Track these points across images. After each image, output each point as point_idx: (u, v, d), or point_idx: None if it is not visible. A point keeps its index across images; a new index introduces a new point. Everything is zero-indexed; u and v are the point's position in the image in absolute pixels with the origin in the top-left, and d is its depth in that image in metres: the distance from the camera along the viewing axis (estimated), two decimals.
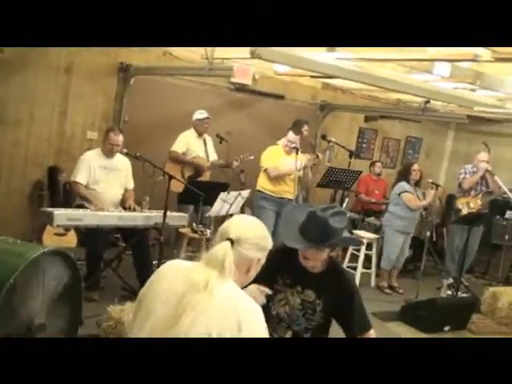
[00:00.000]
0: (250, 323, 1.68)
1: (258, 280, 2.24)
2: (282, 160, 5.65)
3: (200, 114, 5.99)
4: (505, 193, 6.65)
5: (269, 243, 1.93)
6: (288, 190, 5.61)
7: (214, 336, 1.61)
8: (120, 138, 4.92)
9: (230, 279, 1.76)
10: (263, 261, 1.94)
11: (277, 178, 5.65)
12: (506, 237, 6.91)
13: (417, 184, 6.39)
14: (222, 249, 1.77)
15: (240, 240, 1.81)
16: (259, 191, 5.75)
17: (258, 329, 1.71)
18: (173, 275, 1.80)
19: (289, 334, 2.64)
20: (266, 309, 2.39)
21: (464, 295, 6.37)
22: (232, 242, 1.80)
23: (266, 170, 5.67)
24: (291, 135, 5.70)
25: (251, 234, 1.86)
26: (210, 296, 1.67)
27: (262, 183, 5.73)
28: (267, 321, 2.38)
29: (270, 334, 2.47)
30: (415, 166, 6.38)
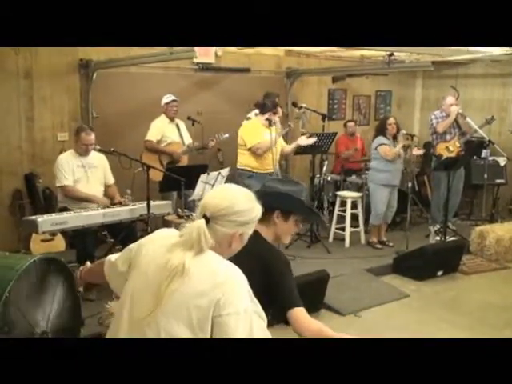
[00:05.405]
0: (229, 293, 1.62)
1: None
2: (263, 135, 5.57)
3: (167, 98, 6.00)
4: (476, 131, 6.75)
5: (251, 216, 1.79)
6: (269, 164, 5.55)
7: (193, 316, 1.60)
8: (92, 137, 4.88)
9: (208, 251, 1.71)
10: (248, 233, 1.82)
11: (262, 154, 5.57)
12: (485, 176, 7.03)
13: (395, 138, 6.37)
14: (196, 229, 1.69)
15: (216, 217, 1.72)
16: (245, 170, 5.65)
17: (237, 296, 1.64)
18: (154, 256, 1.76)
19: None
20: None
21: (452, 239, 6.49)
22: (207, 219, 1.71)
23: (251, 149, 5.56)
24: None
25: (228, 210, 1.73)
26: (187, 277, 1.63)
27: (247, 161, 5.63)
28: None
29: None
30: (391, 120, 6.36)
